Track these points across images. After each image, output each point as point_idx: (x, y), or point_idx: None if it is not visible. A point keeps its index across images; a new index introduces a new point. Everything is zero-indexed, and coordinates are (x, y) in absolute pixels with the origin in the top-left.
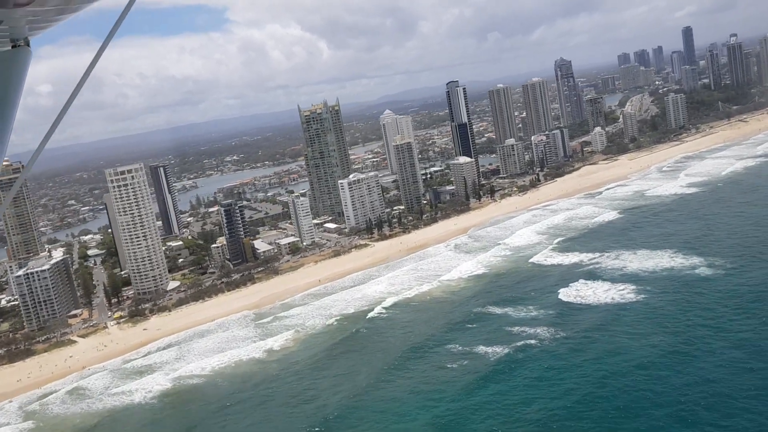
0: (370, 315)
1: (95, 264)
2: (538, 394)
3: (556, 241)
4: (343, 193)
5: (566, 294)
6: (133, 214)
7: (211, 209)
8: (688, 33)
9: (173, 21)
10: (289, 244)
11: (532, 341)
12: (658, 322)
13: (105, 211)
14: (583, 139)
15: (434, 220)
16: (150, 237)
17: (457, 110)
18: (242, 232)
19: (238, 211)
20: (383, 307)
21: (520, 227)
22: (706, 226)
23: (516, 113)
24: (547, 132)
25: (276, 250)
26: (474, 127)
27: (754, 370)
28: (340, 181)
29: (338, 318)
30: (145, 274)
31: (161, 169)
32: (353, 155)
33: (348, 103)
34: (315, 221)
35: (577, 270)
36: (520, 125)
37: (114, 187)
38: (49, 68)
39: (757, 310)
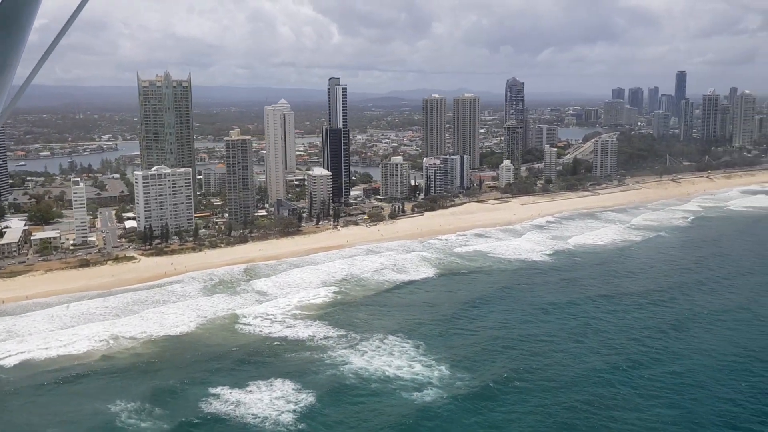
0: None
1: None
2: None
3: (321, 299)
4: (137, 188)
5: (226, 395)
6: None
7: (71, 176)
8: (681, 78)
9: None
10: (41, 240)
11: None
12: None
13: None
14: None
15: (244, 240)
16: None
17: (335, 113)
18: None
19: None
20: None
21: (316, 265)
22: (500, 319)
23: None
24: (445, 156)
25: (19, 245)
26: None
27: None
28: (135, 173)
29: None
30: None
31: None
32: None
33: (356, 92)
34: (128, 215)
35: (289, 355)
36: (450, 143)
37: None
38: None
39: None
